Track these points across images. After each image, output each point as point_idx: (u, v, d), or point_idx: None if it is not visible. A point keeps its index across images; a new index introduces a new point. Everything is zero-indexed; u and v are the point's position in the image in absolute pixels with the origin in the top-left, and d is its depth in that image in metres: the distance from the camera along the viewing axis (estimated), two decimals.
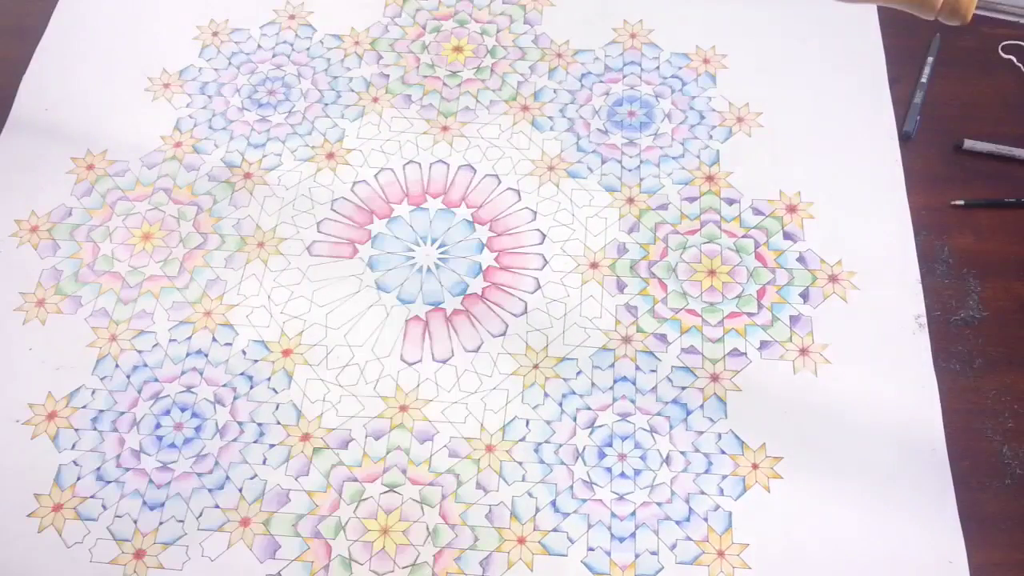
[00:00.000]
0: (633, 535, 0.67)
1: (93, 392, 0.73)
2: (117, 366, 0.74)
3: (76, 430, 0.71)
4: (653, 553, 0.66)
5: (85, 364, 0.74)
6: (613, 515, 0.67)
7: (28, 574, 0.66)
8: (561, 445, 0.70)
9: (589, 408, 0.72)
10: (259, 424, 0.71)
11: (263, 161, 0.84)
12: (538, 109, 0.86)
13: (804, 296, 0.76)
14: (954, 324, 0.75)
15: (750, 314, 0.75)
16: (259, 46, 0.91)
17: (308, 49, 0.91)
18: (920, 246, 0.78)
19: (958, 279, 0.77)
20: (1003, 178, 0.82)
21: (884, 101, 0.85)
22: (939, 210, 0.80)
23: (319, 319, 0.76)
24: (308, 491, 0.69)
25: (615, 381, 0.73)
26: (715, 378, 0.73)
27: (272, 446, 0.70)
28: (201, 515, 0.68)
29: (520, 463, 0.69)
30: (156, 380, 0.73)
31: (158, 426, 0.71)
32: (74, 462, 0.70)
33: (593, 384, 0.73)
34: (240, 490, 0.69)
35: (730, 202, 0.81)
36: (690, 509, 0.67)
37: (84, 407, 0.72)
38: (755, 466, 0.69)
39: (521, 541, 0.67)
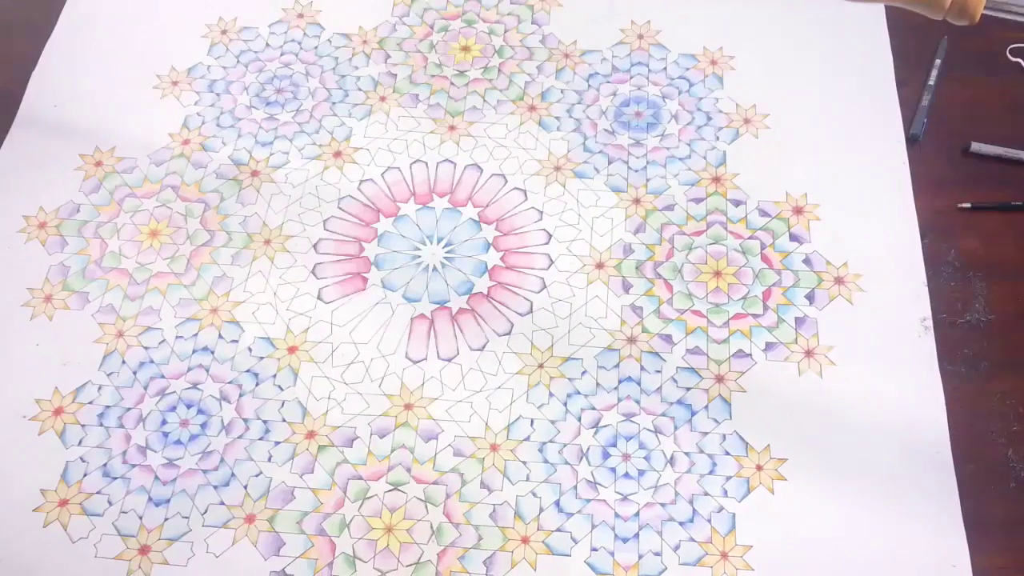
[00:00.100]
0: (637, 536, 0.67)
1: (99, 388, 0.73)
2: (124, 362, 0.74)
3: (82, 426, 0.72)
4: (656, 554, 0.66)
5: (92, 360, 0.74)
6: (617, 515, 0.67)
7: (34, 569, 0.66)
8: (565, 445, 0.70)
9: (594, 408, 0.72)
10: (264, 421, 0.72)
11: (270, 159, 0.84)
12: (545, 109, 0.87)
13: (810, 298, 0.76)
14: (960, 327, 0.75)
15: (755, 315, 0.75)
16: (267, 44, 0.92)
17: (316, 48, 0.91)
18: (926, 249, 0.78)
19: (964, 282, 0.77)
20: (1010, 181, 0.81)
21: (891, 103, 0.85)
22: (946, 213, 0.80)
23: (325, 316, 0.76)
24: (313, 488, 0.69)
25: (620, 381, 0.73)
26: (720, 379, 0.73)
27: (277, 443, 0.71)
28: (206, 512, 0.68)
29: (524, 462, 0.70)
30: (162, 376, 0.74)
31: (164, 422, 0.72)
32: (80, 458, 0.70)
33: (598, 384, 0.73)
34: (245, 487, 0.69)
35: (736, 203, 0.81)
36: (694, 510, 0.68)
37: (90, 403, 0.73)
38: (759, 467, 0.69)
39: (525, 541, 0.67)
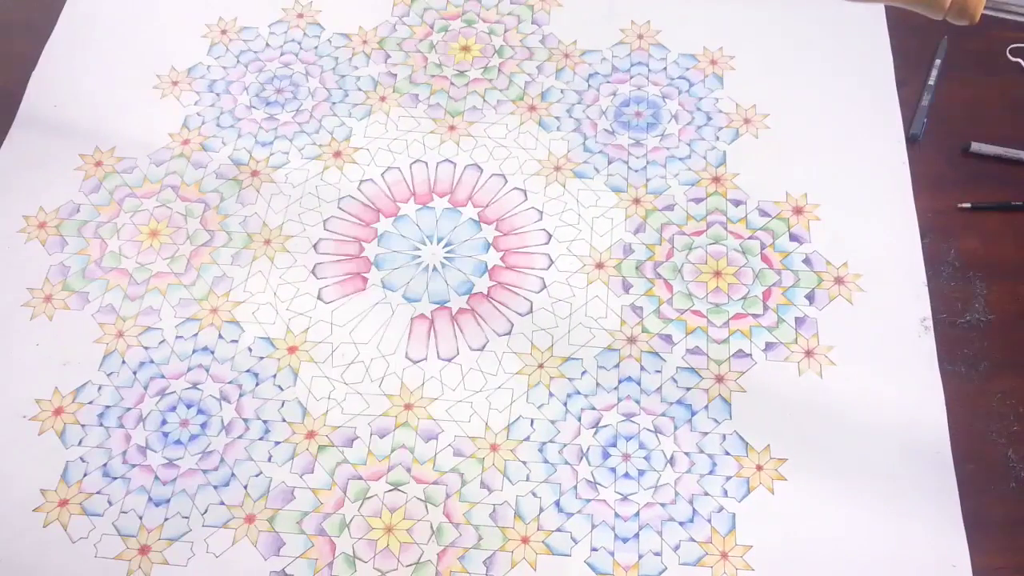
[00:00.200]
0: (637, 536, 0.67)
1: (99, 388, 0.73)
2: (124, 362, 0.74)
3: (82, 426, 0.72)
4: (656, 554, 0.66)
5: (92, 360, 0.74)
6: (617, 515, 0.67)
7: (34, 569, 0.66)
8: (565, 445, 0.70)
9: (594, 408, 0.72)
10: (264, 421, 0.72)
11: (270, 159, 0.84)
12: (545, 109, 0.87)
13: (810, 298, 0.76)
14: (960, 327, 0.75)
15: (755, 315, 0.75)
16: (267, 44, 0.92)
17: (316, 48, 0.91)
18: (926, 249, 0.78)
19: (964, 282, 0.77)
20: (1010, 181, 0.81)
21: (891, 103, 0.85)
22: (946, 213, 0.80)
23: (325, 316, 0.76)
24: (313, 488, 0.69)
25: (620, 381, 0.73)
26: (720, 379, 0.73)
27: (277, 443, 0.71)
28: (206, 512, 0.68)
29: (524, 462, 0.70)
30: (162, 376, 0.74)
31: (164, 422, 0.72)
32: (80, 458, 0.70)
33: (598, 384, 0.73)
34: (245, 487, 0.69)
35: (736, 203, 0.81)
36: (694, 510, 0.68)
37: (90, 403, 0.73)
38: (759, 467, 0.69)
39: (525, 541, 0.67)
